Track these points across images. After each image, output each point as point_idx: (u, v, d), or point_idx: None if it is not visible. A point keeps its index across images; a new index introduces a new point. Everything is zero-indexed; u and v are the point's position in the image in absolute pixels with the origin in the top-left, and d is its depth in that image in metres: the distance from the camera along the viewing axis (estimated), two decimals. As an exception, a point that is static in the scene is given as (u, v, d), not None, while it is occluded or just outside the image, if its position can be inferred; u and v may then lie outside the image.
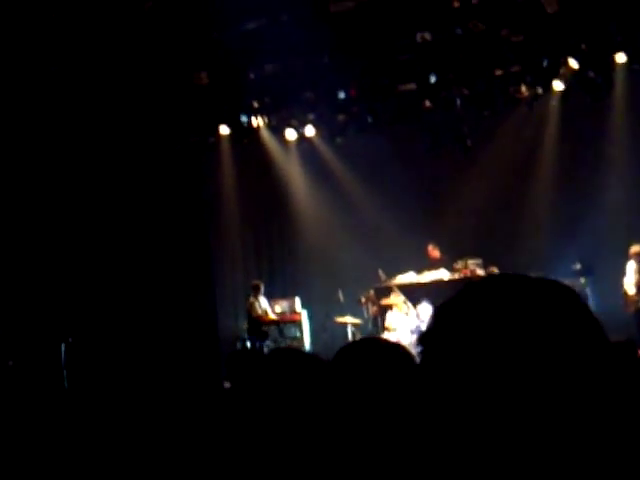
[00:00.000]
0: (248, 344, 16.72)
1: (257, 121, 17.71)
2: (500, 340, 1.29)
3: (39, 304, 14.91)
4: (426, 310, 14.94)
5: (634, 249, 13.87)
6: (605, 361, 1.31)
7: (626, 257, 14.08)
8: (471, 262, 16.18)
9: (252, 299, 17.31)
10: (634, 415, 1.30)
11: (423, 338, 1.40)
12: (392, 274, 16.52)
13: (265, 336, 16.91)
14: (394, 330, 15.28)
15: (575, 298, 1.37)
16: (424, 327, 1.39)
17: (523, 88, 16.27)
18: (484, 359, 1.29)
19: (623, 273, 13.98)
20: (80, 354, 14.05)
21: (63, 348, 13.90)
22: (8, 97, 14.25)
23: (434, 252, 16.87)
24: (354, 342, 2.58)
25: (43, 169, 15.55)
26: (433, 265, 16.59)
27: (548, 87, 16.25)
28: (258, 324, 17.01)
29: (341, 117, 17.51)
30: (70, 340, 14.10)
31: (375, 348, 2.34)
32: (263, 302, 17.42)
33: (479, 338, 1.31)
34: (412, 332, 15.16)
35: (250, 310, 17.20)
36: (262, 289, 17.50)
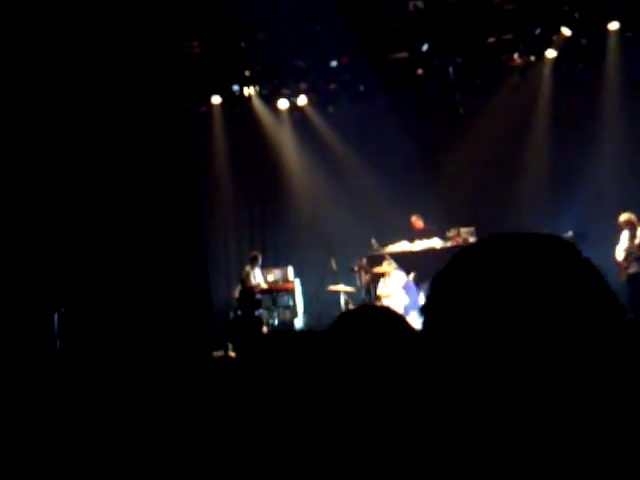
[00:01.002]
0: (239, 313, 16.72)
1: (249, 90, 17.64)
2: (501, 303, 1.26)
3: (31, 274, 14.90)
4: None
5: (623, 218, 13.92)
6: (610, 317, 1.27)
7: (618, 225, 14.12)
8: (464, 230, 16.21)
9: (248, 269, 17.33)
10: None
11: (424, 308, 1.37)
12: (385, 243, 16.56)
13: (258, 305, 16.95)
14: (387, 298, 15.34)
15: (575, 252, 1.34)
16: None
17: (516, 56, 16.23)
18: (487, 325, 1.26)
19: (617, 242, 14.02)
20: (73, 324, 14.07)
21: (56, 318, 13.91)
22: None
23: (417, 222, 16.95)
24: (352, 310, 2.57)
25: (33, 140, 15.48)
26: (418, 236, 16.65)
27: (541, 55, 16.21)
28: (251, 293, 17.04)
29: (333, 86, 17.45)
30: (63, 310, 14.11)
31: (373, 315, 2.34)
32: (258, 274, 17.45)
33: (479, 303, 1.28)
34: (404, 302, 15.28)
35: (245, 279, 17.22)
36: (260, 260, 17.53)
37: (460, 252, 1.39)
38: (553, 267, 1.28)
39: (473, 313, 1.28)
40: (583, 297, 1.27)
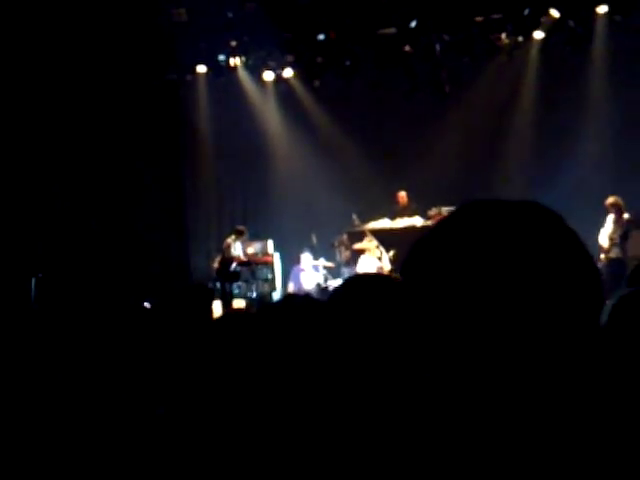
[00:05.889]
0: (217, 284, 16.62)
1: (235, 61, 17.57)
2: (480, 269, 1.23)
3: (7, 239, 14.79)
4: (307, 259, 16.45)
5: (610, 200, 13.92)
6: (591, 289, 1.26)
7: (603, 206, 14.11)
8: (445, 209, 16.21)
9: (230, 240, 17.13)
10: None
11: (402, 269, 1.34)
12: (366, 219, 16.57)
13: (236, 277, 16.88)
14: (366, 274, 15.36)
15: (558, 220, 1.30)
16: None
17: (503, 36, 16.21)
18: (463, 291, 1.24)
19: (602, 225, 14.04)
20: (50, 289, 13.99)
21: (33, 283, 13.83)
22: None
23: (403, 198, 16.91)
24: (352, 279, 2.54)
25: (15, 106, 15.34)
26: (400, 211, 16.66)
27: (528, 36, 16.21)
28: (230, 265, 16.94)
29: (320, 59, 17.36)
30: (40, 275, 14.02)
31: (374, 284, 2.32)
32: (238, 247, 17.29)
33: (457, 267, 1.25)
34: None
35: (225, 250, 17.09)
36: (245, 236, 17.34)
37: (443, 218, 1.36)
38: (534, 233, 1.25)
39: (450, 277, 1.25)
40: (563, 263, 1.24)
